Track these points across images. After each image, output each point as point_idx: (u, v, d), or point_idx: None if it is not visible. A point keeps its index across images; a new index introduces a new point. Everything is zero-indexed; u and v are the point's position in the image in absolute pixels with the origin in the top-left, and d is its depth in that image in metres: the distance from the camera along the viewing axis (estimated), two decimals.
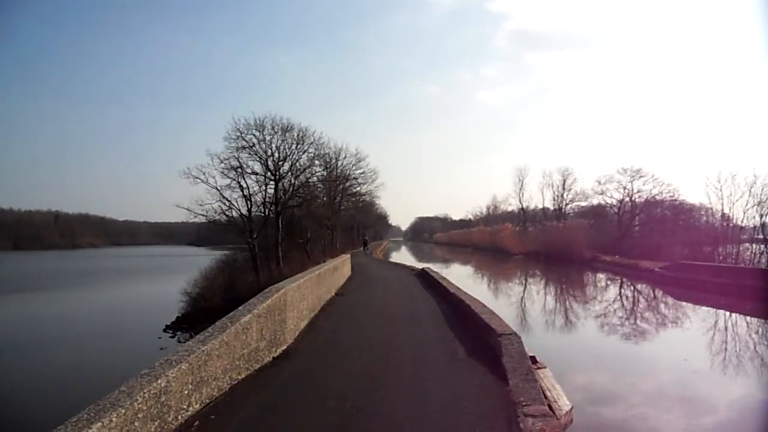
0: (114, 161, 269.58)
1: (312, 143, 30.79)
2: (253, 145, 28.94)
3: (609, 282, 32.13)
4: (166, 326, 22.39)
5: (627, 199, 49.45)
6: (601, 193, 51.56)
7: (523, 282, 33.68)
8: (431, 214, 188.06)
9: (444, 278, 18.00)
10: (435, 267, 29.96)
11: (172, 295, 26.74)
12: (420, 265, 31.15)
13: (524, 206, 70.22)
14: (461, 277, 31.88)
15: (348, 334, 9.33)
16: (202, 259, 47.03)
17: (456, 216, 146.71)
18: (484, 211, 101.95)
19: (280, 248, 28.69)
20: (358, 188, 58.93)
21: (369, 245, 59.07)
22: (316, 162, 34.37)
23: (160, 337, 20.35)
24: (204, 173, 27.30)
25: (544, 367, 7.49)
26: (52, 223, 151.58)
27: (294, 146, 30.25)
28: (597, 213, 52.63)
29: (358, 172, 54.30)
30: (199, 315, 22.45)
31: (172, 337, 20.78)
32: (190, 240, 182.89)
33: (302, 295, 9.99)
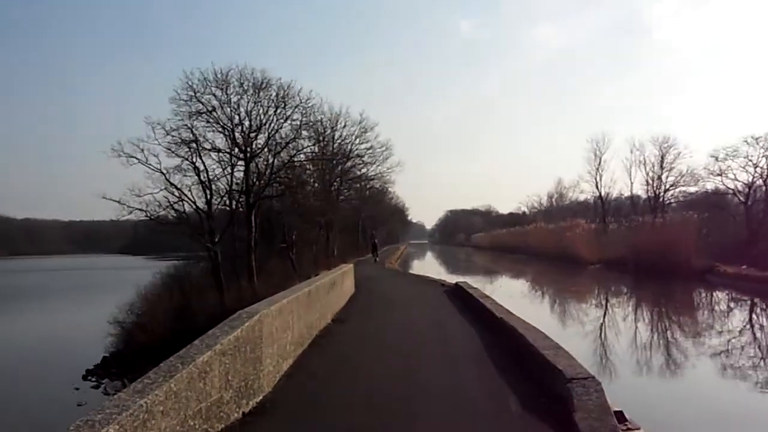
0: (8, 136, 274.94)
1: (298, 106, 30.93)
2: (213, 109, 29.18)
3: (733, 304, 31.79)
4: (88, 371, 22.55)
5: (759, 182, 48.59)
6: (719, 174, 50.70)
7: (603, 303, 33.47)
8: (467, 207, 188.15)
9: (486, 296, 17.95)
10: (474, 282, 29.85)
11: (96, 326, 26.99)
12: (452, 279, 31.11)
13: (603, 194, 69.77)
14: (512, 295, 31.84)
15: (350, 379, 9.28)
16: (141, 273, 47.43)
17: (503, 208, 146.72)
18: (544, 201, 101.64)
19: (254, 256, 28.84)
20: (363, 170, 59.21)
21: (379, 250, 58.91)
22: (304, 133, 34.53)
23: (77, 388, 20.38)
24: (142, 150, 27.55)
25: (637, 429, 7.37)
26: None
27: (272, 111, 30.44)
28: (713, 203, 51.77)
29: (363, 147, 54.47)
30: (135, 354, 22.61)
31: (96, 386, 20.88)
32: (123, 246, 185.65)
33: (285, 323, 9.95)
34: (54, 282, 70.53)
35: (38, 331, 33.79)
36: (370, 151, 54.90)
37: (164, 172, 28.17)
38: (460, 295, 21.57)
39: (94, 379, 21.90)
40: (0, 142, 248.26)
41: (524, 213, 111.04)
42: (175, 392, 5.29)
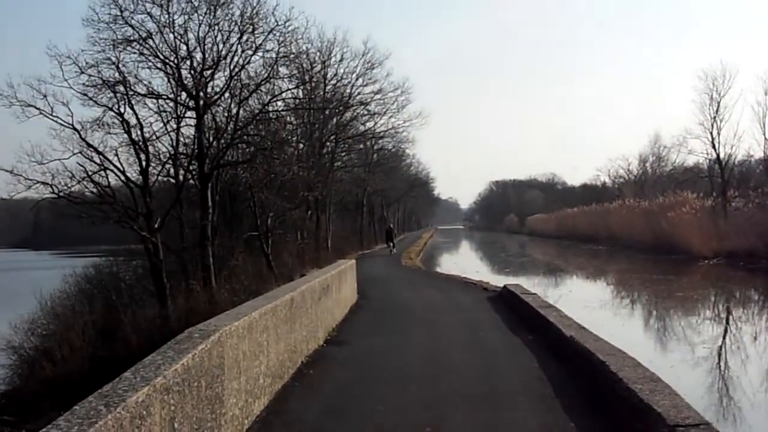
0: None
1: (273, 31, 30.82)
2: (149, 35, 29.13)
3: None
4: None
5: None
6: None
7: (724, 318, 33.36)
8: (521, 176, 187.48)
9: (549, 306, 17.93)
10: (531, 284, 29.80)
11: None
12: (499, 281, 31.12)
13: (723, 155, 69.22)
14: (587, 304, 31.73)
15: (351, 428, 9.30)
16: (46, 275, 47.73)
17: (573, 179, 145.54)
18: (635, 166, 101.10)
19: (212, 249, 28.91)
20: (369, 123, 59.34)
21: (395, 239, 59.94)
22: (283, 71, 34.60)
23: None
24: (44, 96, 27.51)
25: None
26: None
27: (235, 38, 30.42)
28: None
29: (368, 90, 54.56)
30: (39, 393, 22.78)
31: None
32: (19, 238, 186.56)
33: (257, 346, 9.98)
34: None
35: None
36: (379, 96, 55.04)
37: (78, 128, 28.15)
38: (509, 303, 21.59)
39: None
40: None
41: (604, 184, 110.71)
42: None
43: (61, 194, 28.38)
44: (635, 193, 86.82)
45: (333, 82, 50.10)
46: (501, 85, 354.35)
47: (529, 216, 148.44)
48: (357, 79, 52.11)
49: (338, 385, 11.82)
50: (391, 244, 63.04)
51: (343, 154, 57.27)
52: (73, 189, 28.82)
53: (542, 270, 58.79)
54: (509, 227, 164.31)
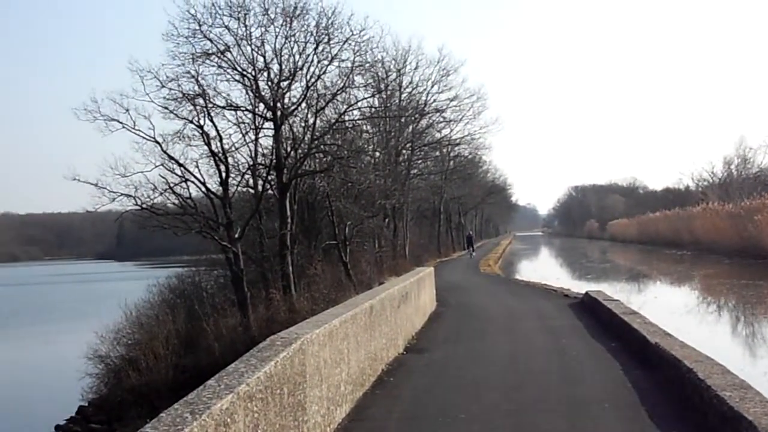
0: None
1: (348, 41, 30.93)
2: (227, 48, 29.54)
3: None
4: (58, 427, 23.43)
5: None
6: None
7: None
8: (601, 182, 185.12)
9: (633, 312, 17.64)
10: (614, 291, 29.33)
11: (69, 363, 27.90)
12: (580, 288, 30.70)
13: None
14: (673, 311, 31.12)
15: None
16: (130, 286, 48.80)
17: (654, 183, 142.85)
18: (719, 169, 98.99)
19: (291, 258, 29.14)
20: (445, 130, 59.23)
21: (474, 245, 61.54)
22: (358, 80, 34.64)
23: None
24: (127, 110, 28.12)
25: None
26: None
27: (311, 49, 30.65)
28: None
29: (444, 97, 54.46)
30: (125, 400, 23.31)
31: None
32: (103, 249, 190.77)
33: (338, 354, 10.02)
34: (5, 301, 73.10)
35: None
36: (454, 103, 54.91)
37: (159, 140, 28.69)
38: (592, 310, 21.34)
39: None
40: None
41: (687, 188, 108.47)
42: None
43: (144, 206, 28.95)
44: (719, 197, 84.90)
45: (408, 89, 50.12)
46: (580, 87, 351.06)
47: (609, 221, 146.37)
48: (432, 87, 52.14)
49: (419, 392, 11.78)
50: (471, 249, 65.04)
51: (420, 161, 57.18)
52: (155, 200, 29.44)
53: (625, 276, 57.84)
54: (589, 233, 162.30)
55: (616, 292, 28.96)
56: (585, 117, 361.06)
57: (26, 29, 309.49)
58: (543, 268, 66.47)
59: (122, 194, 28.21)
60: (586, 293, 24.43)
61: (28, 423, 24.40)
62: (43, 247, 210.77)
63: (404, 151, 51.08)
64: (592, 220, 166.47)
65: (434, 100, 52.96)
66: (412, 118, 50.61)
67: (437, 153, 61.25)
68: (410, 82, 50.19)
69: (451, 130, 59.22)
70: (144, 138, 28.30)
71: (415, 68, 50.10)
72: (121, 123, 28.03)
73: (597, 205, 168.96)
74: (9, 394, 29.07)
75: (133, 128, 28.11)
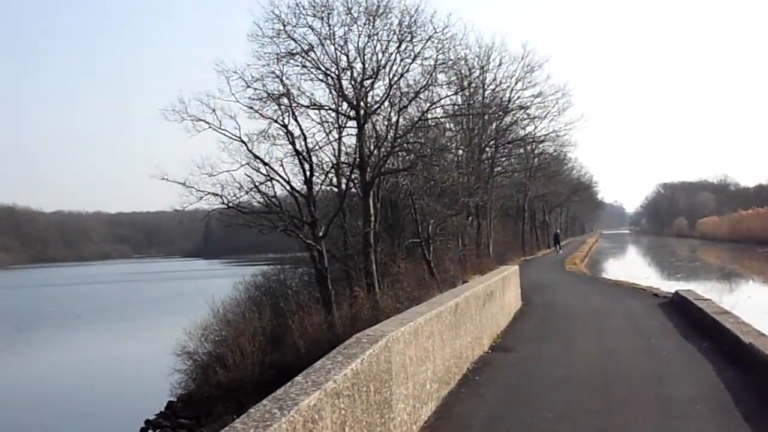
0: (27, 104, 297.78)
1: (431, 39, 30.89)
2: (311, 48, 29.80)
3: None
4: (148, 423, 24.01)
5: None
6: None
7: None
8: (690, 179, 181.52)
9: (724, 312, 17.21)
10: (704, 290, 28.72)
11: (158, 359, 28.54)
12: (669, 287, 30.09)
13: None
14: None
15: None
16: (217, 283, 49.56)
17: (746, 179, 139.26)
18: None
19: (374, 256, 29.23)
20: (529, 128, 58.71)
21: (561, 243, 62.42)
22: (441, 77, 34.57)
23: None
24: (213, 110, 28.58)
25: None
26: None
27: (394, 47, 30.66)
28: None
29: (528, 94, 53.96)
30: (212, 396, 23.75)
31: None
32: (191, 247, 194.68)
33: (424, 352, 9.99)
34: (97, 298, 75.11)
35: (82, 367, 36.25)
36: (539, 99, 54.33)
37: (245, 140, 29.10)
38: (682, 309, 20.96)
39: None
40: (19, 112, 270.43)
41: None
42: None
43: (230, 204, 29.42)
44: None
45: (492, 86, 49.75)
46: (669, 80, 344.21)
47: (699, 219, 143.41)
48: (516, 83, 51.67)
49: (505, 391, 11.69)
50: (558, 246, 65.98)
51: (503, 159, 56.82)
52: (241, 199, 29.88)
53: (716, 275, 56.58)
54: (678, 231, 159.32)
55: (706, 292, 28.33)
56: (674, 111, 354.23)
57: (124, 29, 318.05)
58: (630, 267, 65.49)
59: (209, 193, 28.77)
60: (676, 292, 23.97)
61: (119, 417, 25.04)
62: (132, 245, 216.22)
63: (488, 149, 50.81)
64: (681, 218, 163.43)
65: (518, 97, 52.59)
66: (496, 115, 50.29)
67: (521, 150, 60.75)
68: (494, 79, 49.85)
69: (536, 127, 58.81)
70: (230, 137, 28.80)
71: (499, 65, 49.75)
72: (207, 123, 28.57)
73: (686, 203, 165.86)
74: (103, 389, 29.91)
75: (220, 128, 28.65)
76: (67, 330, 51.54)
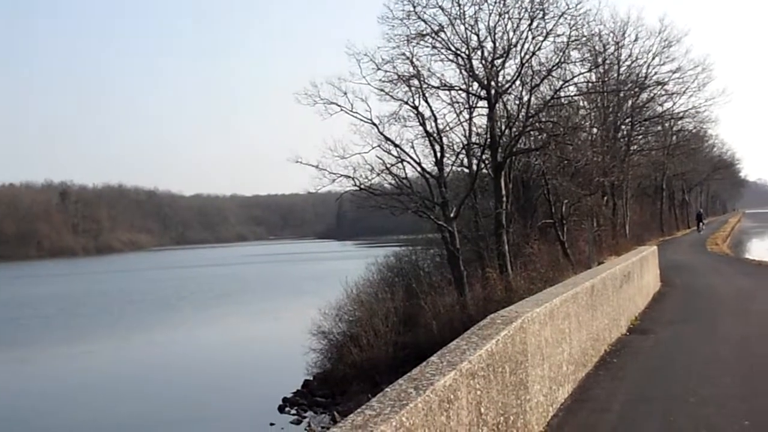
0: (158, 92, 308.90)
1: (563, 15, 30.21)
2: (441, 29, 29.69)
3: None
4: (285, 401, 24.65)
5: None
6: None
7: None
8: None
9: None
10: None
11: (294, 338, 29.26)
12: None
13: None
14: None
15: (666, 425, 8.96)
16: (349, 264, 50.24)
17: None
18: None
19: (507, 237, 29.02)
20: (667, 104, 57.02)
21: (704, 222, 64.98)
22: (574, 54, 33.83)
23: (272, 423, 22.52)
24: (345, 93, 28.91)
25: None
26: (55, 206, 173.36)
27: (525, 25, 30.17)
28: None
29: (665, 69, 52.47)
30: (346, 375, 24.16)
31: (297, 421, 22.76)
32: (324, 229, 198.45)
33: (559, 333, 9.91)
34: (236, 279, 77.41)
35: (221, 346, 37.51)
36: (677, 75, 52.65)
37: (376, 122, 29.35)
38: None
39: (293, 411, 23.76)
40: (157, 100, 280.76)
41: None
42: (408, 428, 5.42)
43: (362, 186, 29.80)
44: None
45: (627, 63, 48.61)
46: None
47: None
48: (653, 59, 50.24)
49: (644, 374, 11.49)
50: (701, 224, 64.77)
51: (640, 137, 55.55)
52: (372, 181, 30.20)
53: None
54: None
55: None
56: None
57: (257, 16, 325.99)
58: None
59: (341, 175, 29.27)
60: None
61: (258, 394, 25.83)
62: (267, 227, 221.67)
63: (623, 127, 49.74)
64: None
65: (655, 73, 51.10)
66: (632, 92, 49.14)
67: (659, 128, 59.20)
68: (629, 55, 48.68)
69: (674, 104, 57.00)
70: (361, 120, 29.17)
71: (635, 40, 48.50)
72: (339, 106, 28.99)
73: None
74: (243, 367, 30.95)
75: (351, 111, 29.04)
76: (208, 309, 53.47)
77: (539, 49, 30.76)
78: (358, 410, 5.55)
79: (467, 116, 31.24)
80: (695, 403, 9.53)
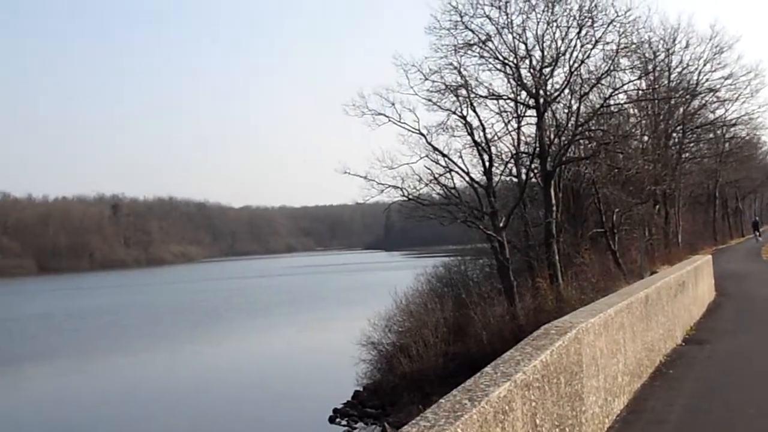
0: (207, 102, 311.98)
1: (612, 23, 29.98)
2: (488, 38, 29.68)
3: None
4: (336, 411, 24.70)
5: None
6: None
7: None
8: None
9: None
10: None
11: (344, 348, 29.33)
12: None
13: None
14: None
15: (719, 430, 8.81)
16: (398, 275, 50.27)
17: None
18: None
19: (557, 247, 28.83)
20: (719, 111, 56.30)
21: (761, 230, 63.48)
22: (624, 62, 33.55)
23: None
24: (392, 104, 28.97)
25: None
26: (107, 218, 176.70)
27: (574, 33, 30.05)
28: None
29: (717, 76, 51.83)
30: (397, 385, 24.15)
31: None
32: (372, 240, 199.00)
33: (614, 344, 9.79)
34: (285, 290, 77.89)
35: (271, 356, 37.78)
36: (729, 81, 51.95)
37: (424, 132, 29.37)
38: None
39: (344, 422, 23.83)
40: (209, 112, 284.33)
41: None
42: None
43: (410, 197, 29.82)
44: None
45: (678, 69, 48.08)
46: None
47: None
48: (704, 65, 49.63)
49: (701, 386, 11.31)
50: (758, 233, 63.26)
51: (691, 144, 54.95)
52: (420, 191, 30.23)
53: None
54: None
55: None
56: None
57: (312, 29, 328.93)
58: None
59: (389, 186, 29.33)
60: None
61: (309, 405, 25.95)
62: (315, 238, 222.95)
63: (674, 134, 49.22)
64: None
65: (706, 80, 50.46)
66: (683, 99, 48.59)
67: (711, 135, 58.51)
68: (680, 62, 48.14)
69: (726, 110, 56.19)
70: (409, 130, 29.20)
71: (686, 47, 47.93)
72: (387, 116, 29.09)
73: None
74: (293, 378, 31.15)
75: (399, 121, 29.11)
76: (258, 320, 53.88)
77: (588, 57, 30.64)
78: (413, 422, 5.52)
79: (516, 125, 31.20)
80: (755, 415, 9.36)
